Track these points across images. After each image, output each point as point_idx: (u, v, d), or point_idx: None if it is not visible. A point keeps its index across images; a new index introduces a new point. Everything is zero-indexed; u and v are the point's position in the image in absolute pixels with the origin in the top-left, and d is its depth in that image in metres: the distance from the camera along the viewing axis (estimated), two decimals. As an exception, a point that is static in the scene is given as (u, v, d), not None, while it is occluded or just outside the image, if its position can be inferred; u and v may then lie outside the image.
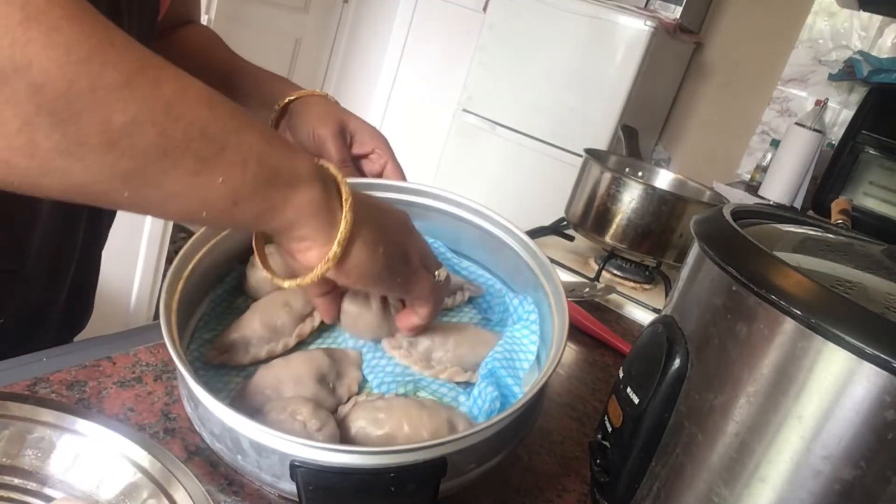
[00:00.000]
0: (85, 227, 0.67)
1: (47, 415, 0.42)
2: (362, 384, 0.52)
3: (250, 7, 2.56)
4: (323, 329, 0.57)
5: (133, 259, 1.96)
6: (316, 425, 0.44)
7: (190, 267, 0.51)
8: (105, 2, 0.57)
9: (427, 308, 0.51)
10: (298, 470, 0.39)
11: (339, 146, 0.66)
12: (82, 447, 0.41)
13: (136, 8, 0.61)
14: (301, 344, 0.54)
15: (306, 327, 0.55)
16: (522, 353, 0.54)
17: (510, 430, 0.46)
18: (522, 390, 0.51)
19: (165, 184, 0.35)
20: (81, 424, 0.42)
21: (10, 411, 0.41)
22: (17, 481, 0.40)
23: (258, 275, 0.56)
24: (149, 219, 2.00)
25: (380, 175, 0.68)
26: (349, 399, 0.50)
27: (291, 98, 0.69)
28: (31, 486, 0.40)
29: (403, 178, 0.68)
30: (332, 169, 0.43)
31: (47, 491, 0.40)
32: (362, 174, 0.68)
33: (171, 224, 2.04)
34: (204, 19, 2.22)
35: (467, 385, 0.54)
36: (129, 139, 0.32)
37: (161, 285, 0.49)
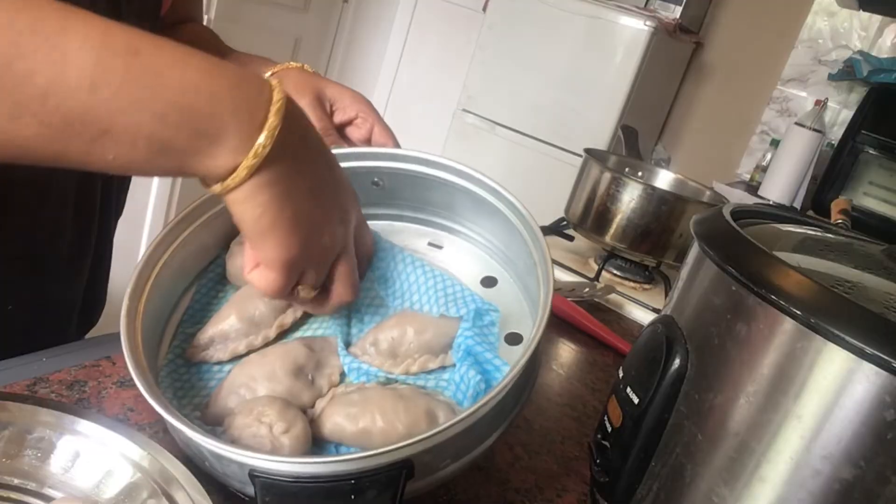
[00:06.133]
0: (98, 215, 0.66)
1: (47, 415, 0.42)
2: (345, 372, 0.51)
3: (250, 7, 2.56)
4: (306, 318, 0.54)
5: (133, 259, 1.96)
6: (282, 427, 0.43)
7: (159, 265, 0.50)
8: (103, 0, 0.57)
9: (330, 295, 0.47)
10: (257, 480, 0.39)
11: (319, 115, 0.63)
12: (82, 447, 0.41)
13: (135, 5, 0.61)
14: (283, 334, 0.53)
15: (287, 318, 0.53)
16: (487, 317, 0.52)
17: (487, 421, 0.44)
18: (504, 361, 0.49)
19: (66, 160, 0.35)
20: (81, 424, 0.42)
21: (10, 411, 0.41)
22: (16, 481, 0.40)
23: (237, 263, 0.54)
24: (148, 218, 1.99)
25: (367, 141, 0.65)
26: (329, 390, 0.49)
27: (266, 74, 0.66)
28: (31, 486, 0.40)
29: (393, 139, 0.64)
30: (275, 88, 0.39)
31: (47, 491, 0.40)
32: (349, 142, 0.65)
33: (170, 224, 2.03)
34: (204, 19, 2.23)
35: (445, 369, 0.52)
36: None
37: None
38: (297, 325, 0.54)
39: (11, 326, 0.60)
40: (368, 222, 0.61)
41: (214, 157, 0.37)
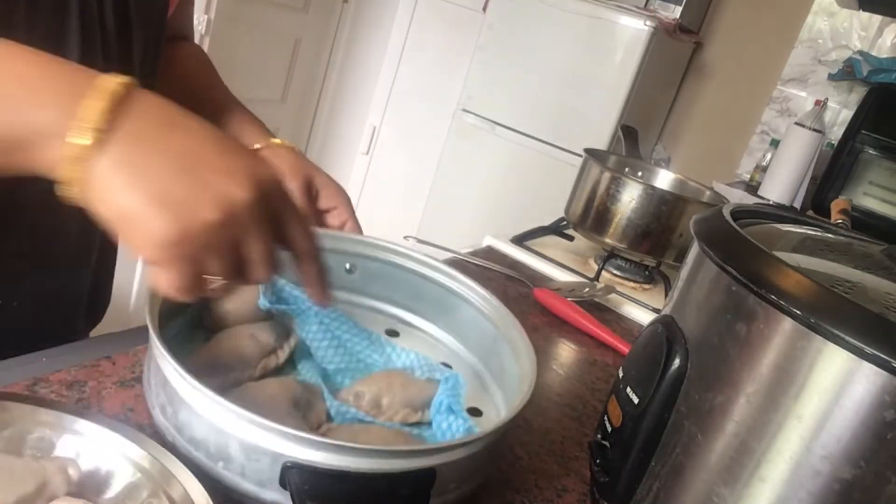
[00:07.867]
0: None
1: (47, 415, 0.41)
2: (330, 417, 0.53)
3: (250, 7, 2.55)
4: (286, 365, 0.57)
5: (133, 259, 1.96)
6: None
7: None
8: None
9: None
10: (290, 471, 0.39)
11: (304, 200, 0.68)
12: (82, 447, 0.41)
13: (142, 5, 0.62)
14: (265, 378, 0.54)
15: (271, 361, 0.55)
16: (460, 387, 0.56)
17: (488, 451, 0.47)
18: (474, 424, 0.53)
19: None
20: (81, 424, 0.41)
21: (9, 411, 0.41)
22: (17, 481, 0.40)
23: (222, 307, 0.57)
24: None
25: (341, 230, 0.70)
26: (320, 426, 0.51)
27: (256, 146, 0.70)
28: (31, 486, 0.40)
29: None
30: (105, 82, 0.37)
31: (47, 491, 0.40)
32: (325, 227, 0.71)
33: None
34: (204, 19, 2.22)
35: (421, 425, 0.55)
36: None
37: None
38: (278, 371, 0.56)
39: (20, 321, 0.60)
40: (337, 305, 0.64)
41: (49, 148, 0.35)
